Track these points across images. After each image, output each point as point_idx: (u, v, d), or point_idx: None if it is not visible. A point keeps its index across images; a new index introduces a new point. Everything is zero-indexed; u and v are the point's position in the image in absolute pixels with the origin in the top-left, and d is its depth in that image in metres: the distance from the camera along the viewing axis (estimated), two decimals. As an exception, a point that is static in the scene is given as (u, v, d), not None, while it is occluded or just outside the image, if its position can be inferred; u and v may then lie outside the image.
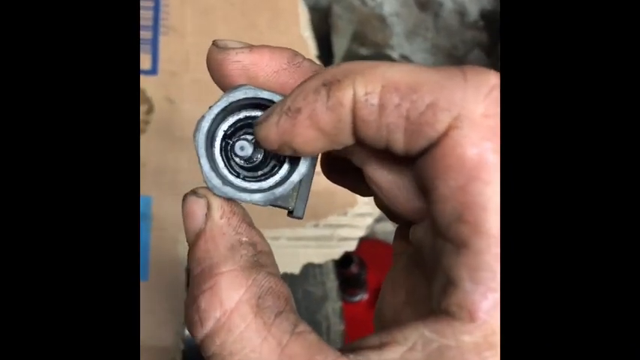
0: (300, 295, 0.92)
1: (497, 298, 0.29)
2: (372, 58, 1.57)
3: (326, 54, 1.62)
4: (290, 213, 0.37)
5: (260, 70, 0.35)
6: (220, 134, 0.36)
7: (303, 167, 0.35)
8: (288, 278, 0.93)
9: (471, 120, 0.30)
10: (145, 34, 0.94)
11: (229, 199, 0.34)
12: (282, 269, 0.95)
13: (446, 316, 0.30)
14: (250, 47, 0.35)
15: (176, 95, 0.91)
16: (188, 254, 0.33)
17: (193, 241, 0.33)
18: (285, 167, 0.36)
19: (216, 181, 0.34)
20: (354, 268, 1.19)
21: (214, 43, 0.35)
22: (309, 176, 0.37)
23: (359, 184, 0.39)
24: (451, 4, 1.72)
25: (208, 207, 0.33)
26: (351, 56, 1.63)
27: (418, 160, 0.32)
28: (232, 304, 0.30)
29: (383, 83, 0.31)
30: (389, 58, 1.64)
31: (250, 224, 0.34)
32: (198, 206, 0.33)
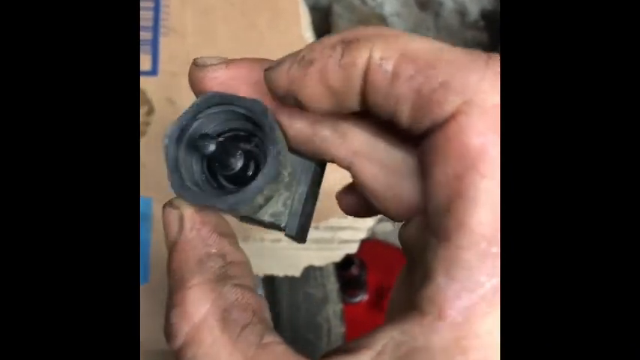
0: (300, 297, 0.92)
1: (473, 300, 0.28)
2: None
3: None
4: (283, 231, 0.36)
5: (240, 83, 0.35)
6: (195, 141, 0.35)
7: (271, 170, 0.33)
8: (289, 281, 0.93)
9: (481, 108, 0.29)
10: (145, 35, 0.94)
11: (205, 208, 0.33)
12: (283, 272, 0.95)
13: (416, 314, 0.29)
14: (227, 62, 0.36)
15: (177, 96, 0.90)
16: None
17: (169, 253, 0.33)
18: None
19: (175, 185, 0.33)
20: (354, 270, 1.19)
21: (194, 62, 0.36)
22: (302, 194, 0.36)
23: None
24: (451, 3, 1.72)
25: (181, 218, 0.33)
26: (351, 56, 1.63)
27: (421, 144, 0.32)
28: (200, 319, 0.30)
29: (402, 52, 0.30)
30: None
31: (222, 234, 0.34)
32: (172, 217, 0.33)
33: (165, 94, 0.90)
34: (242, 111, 0.34)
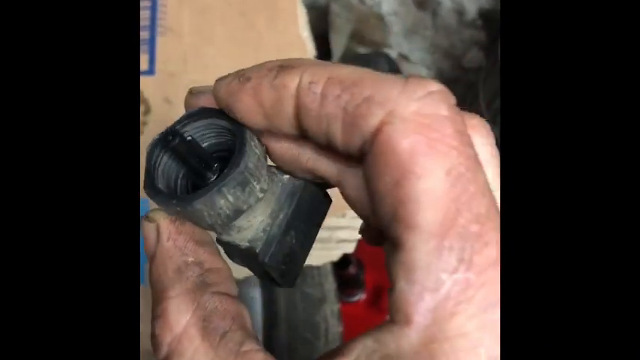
0: (298, 296, 0.92)
1: (437, 299, 0.27)
2: (371, 56, 1.57)
3: (324, 53, 1.62)
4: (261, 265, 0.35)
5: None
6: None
7: (233, 169, 0.32)
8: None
9: (402, 116, 0.29)
10: (142, 35, 0.94)
11: (180, 218, 0.33)
12: (280, 272, 0.93)
13: (388, 322, 0.29)
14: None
15: (174, 96, 0.90)
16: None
17: (149, 265, 0.33)
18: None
19: (147, 187, 0.33)
20: (352, 269, 1.19)
21: (190, 91, 0.37)
22: (283, 220, 0.35)
23: None
24: (449, 3, 1.71)
25: (158, 230, 0.33)
26: (349, 55, 1.63)
27: (363, 163, 0.32)
28: (181, 329, 0.31)
29: (329, 75, 0.31)
30: (386, 56, 1.63)
31: (199, 242, 0.34)
32: (149, 229, 0.33)
33: (162, 94, 0.90)
34: (224, 124, 0.34)
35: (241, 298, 0.33)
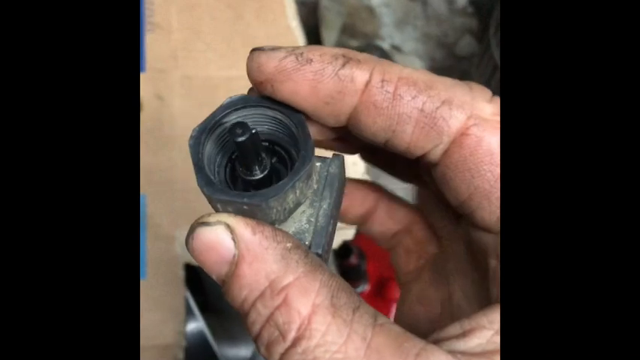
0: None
1: None
2: (363, 49, 1.57)
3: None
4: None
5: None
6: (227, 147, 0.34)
7: (305, 163, 0.31)
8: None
9: (484, 118, 0.31)
10: (131, 33, 0.94)
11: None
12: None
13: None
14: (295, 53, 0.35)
15: (165, 92, 0.90)
16: (227, 286, 0.31)
17: (231, 271, 0.30)
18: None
19: (202, 182, 0.31)
20: (353, 259, 1.18)
21: (260, 49, 0.34)
22: (327, 209, 0.34)
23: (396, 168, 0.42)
24: (439, -9, 1.71)
25: (231, 231, 0.30)
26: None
27: (437, 169, 0.33)
28: (308, 310, 0.29)
29: (400, 76, 0.32)
30: (380, 49, 1.63)
31: (282, 222, 0.33)
32: (216, 235, 0.30)
33: (153, 91, 0.90)
34: (277, 115, 0.33)
35: None
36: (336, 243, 0.92)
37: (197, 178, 0.32)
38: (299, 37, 0.97)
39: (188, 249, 0.31)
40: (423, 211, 0.44)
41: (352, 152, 0.41)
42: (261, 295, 0.29)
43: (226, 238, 0.30)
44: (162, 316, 0.79)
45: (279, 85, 0.32)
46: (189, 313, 0.84)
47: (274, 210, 0.32)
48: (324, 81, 0.32)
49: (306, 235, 0.34)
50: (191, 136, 0.33)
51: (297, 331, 0.28)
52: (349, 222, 0.45)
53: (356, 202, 0.44)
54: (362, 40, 1.69)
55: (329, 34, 1.62)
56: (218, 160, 0.35)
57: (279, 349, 0.29)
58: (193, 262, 0.89)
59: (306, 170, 0.31)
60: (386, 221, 0.45)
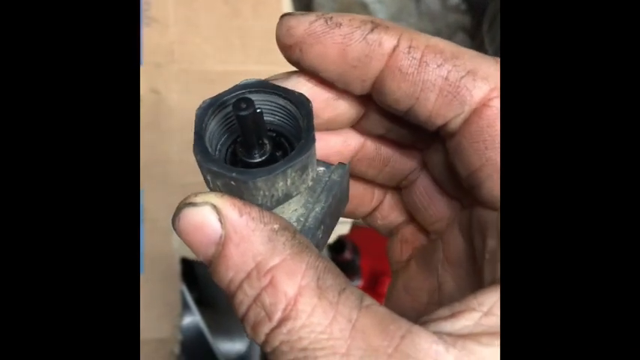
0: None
1: None
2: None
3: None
4: None
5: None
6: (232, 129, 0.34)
7: (301, 152, 0.31)
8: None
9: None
10: (127, 26, 0.93)
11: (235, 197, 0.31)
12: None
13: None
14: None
15: (161, 86, 0.90)
16: (213, 266, 0.31)
17: (217, 251, 0.30)
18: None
19: (199, 151, 0.31)
20: (347, 254, 1.19)
21: (288, 15, 0.34)
22: (319, 212, 0.34)
23: None
24: (433, -12, 1.72)
25: (217, 211, 0.30)
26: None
27: (453, 139, 0.34)
28: (294, 291, 0.29)
29: (427, 44, 0.32)
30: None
31: (268, 210, 0.32)
32: (202, 215, 0.30)
33: (149, 85, 0.90)
34: (284, 103, 0.33)
35: None
36: (331, 238, 0.92)
37: (194, 146, 0.32)
38: (295, 33, 0.97)
39: (174, 229, 0.31)
40: (412, 210, 0.44)
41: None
42: (248, 276, 0.30)
43: (213, 218, 0.30)
44: (159, 311, 0.79)
45: (308, 47, 0.33)
46: (185, 307, 0.84)
47: (261, 192, 0.31)
48: (353, 44, 0.32)
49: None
50: (199, 107, 0.33)
51: (283, 312, 0.28)
52: (358, 216, 0.46)
53: (366, 200, 0.45)
54: (356, 36, 1.70)
55: (323, 29, 1.62)
56: (223, 140, 0.35)
57: (265, 329, 0.29)
58: (190, 256, 0.89)
59: (301, 160, 0.31)
60: (389, 214, 0.45)
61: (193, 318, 0.86)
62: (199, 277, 0.95)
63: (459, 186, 0.37)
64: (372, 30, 0.32)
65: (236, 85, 0.34)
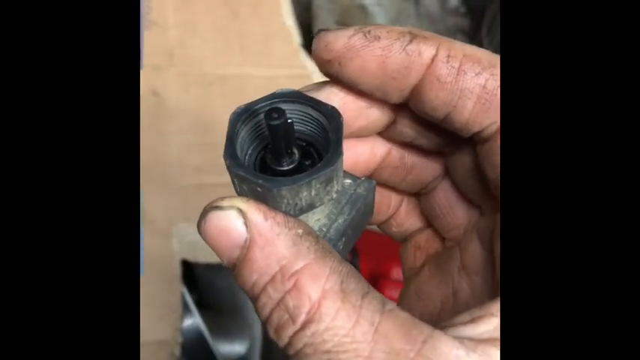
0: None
1: None
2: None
3: (309, 45, 1.62)
4: None
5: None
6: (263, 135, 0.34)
7: (328, 164, 0.32)
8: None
9: None
10: (126, 29, 0.94)
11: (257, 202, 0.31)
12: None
13: None
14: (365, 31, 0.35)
15: (161, 89, 0.90)
16: (237, 269, 0.31)
17: (242, 255, 0.31)
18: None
19: (229, 155, 0.32)
20: (347, 256, 1.19)
21: (320, 30, 0.35)
22: (342, 224, 0.34)
23: None
24: (431, -9, 1.72)
25: (243, 215, 0.31)
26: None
27: (485, 145, 0.34)
28: (318, 295, 0.29)
29: (465, 53, 0.33)
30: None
31: (291, 215, 0.33)
32: (228, 219, 0.31)
33: (149, 87, 0.90)
34: (316, 115, 0.34)
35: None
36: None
37: (224, 150, 0.32)
38: (294, 35, 0.97)
39: (200, 232, 0.32)
40: (430, 216, 0.45)
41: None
42: (272, 279, 0.30)
43: (238, 222, 0.31)
44: (159, 313, 0.79)
45: (347, 62, 0.33)
46: (185, 309, 0.84)
47: (285, 200, 0.32)
48: (392, 56, 0.33)
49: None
50: (234, 112, 0.33)
51: (306, 315, 0.29)
52: (374, 224, 0.46)
53: (383, 208, 0.45)
54: (355, 39, 1.70)
55: (322, 32, 1.63)
56: (253, 146, 0.35)
57: (289, 331, 0.29)
58: (190, 258, 0.89)
59: (326, 172, 0.32)
60: (405, 221, 0.46)
61: (194, 320, 0.86)
62: (200, 280, 0.95)
63: (481, 191, 0.38)
64: (410, 41, 0.33)
65: (272, 94, 0.34)
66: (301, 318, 0.29)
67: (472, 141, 0.35)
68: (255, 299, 0.31)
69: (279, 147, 0.33)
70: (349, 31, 0.33)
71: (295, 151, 0.34)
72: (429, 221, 0.45)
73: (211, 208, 0.31)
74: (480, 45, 1.49)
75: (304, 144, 0.35)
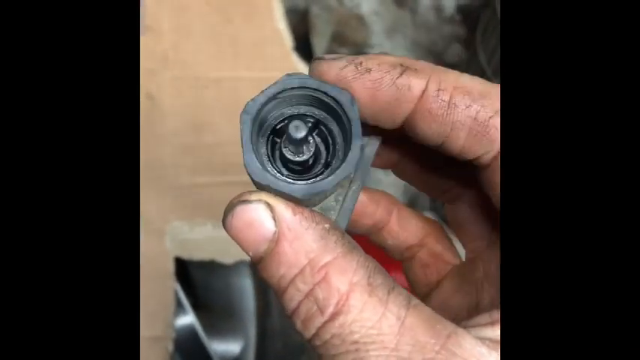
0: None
1: None
2: (352, 56, 1.58)
3: (306, 55, 1.64)
4: None
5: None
6: (271, 122, 0.34)
7: (350, 165, 0.32)
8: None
9: None
10: (122, 35, 0.95)
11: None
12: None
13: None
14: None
15: (156, 92, 0.92)
16: (264, 263, 0.31)
17: (269, 248, 0.31)
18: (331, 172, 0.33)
19: (255, 167, 0.31)
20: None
21: (321, 58, 0.36)
22: (356, 190, 0.35)
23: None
24: (427, 0, 1.74)
25: (271, 209, 0.31)
26: (331, 56, 1.64)
27: (486, 171, 0.35)
28: (346, 288, 0.30)
29: (455, 85, 0.33)
30: (370, 57, 1.65)
31: (315, 210, 0.33)
32: (256, 213, 0.31)
33: (144, 90, 0.92)
34: (326, 99, 0.33)
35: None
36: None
37: (246, 155, 0.32)
38: (286, 40, 0.99)
39: (225, 226, 0.32)
40: (453, 225, 0.45)
41: (389, 167, 0.44)
42: (301, 272, 0.31)
43: (267, 216, 0.31)
44: (152, 309, 0.80)
45: None
46: (179, 307, 0.85)
47: (311, 201, 0.33)
48: (383, 89, 0.33)
49: (332, 212, 0.35)
50: (245, 110, 0.32)
51: (335, 307, 0.30)
52: (360, 230, 0.46)
53: (369, 211, 0.45)
54: (352, 49, 1.72)
55: (319, 41, 1.65)
56: (262, 139, 0.34)
57: (317, 322, 0.30)
58: (183, 256, 0.90)
59: (347, 177, 0.32)
60: (399, 234, 0.46)
61: (187, 317, 0.87)
62: (195, 281, 0.96)
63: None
64: (401, 74, 0.33)
65: (282, 80, 0.33)
66: (330, 309, 0.30)
67: (475, 166, 0.36)
68: (282, 292, 0.31)
69: (300, 146, 0.33)
70: (341, 62, 0.34)
71: (310, 139, 0.34)
72: (455, 229, 0.45)
73: (239, 201, 0.31)
74: (475, 52, 1.48)
75: (311, 120, 0.35)
